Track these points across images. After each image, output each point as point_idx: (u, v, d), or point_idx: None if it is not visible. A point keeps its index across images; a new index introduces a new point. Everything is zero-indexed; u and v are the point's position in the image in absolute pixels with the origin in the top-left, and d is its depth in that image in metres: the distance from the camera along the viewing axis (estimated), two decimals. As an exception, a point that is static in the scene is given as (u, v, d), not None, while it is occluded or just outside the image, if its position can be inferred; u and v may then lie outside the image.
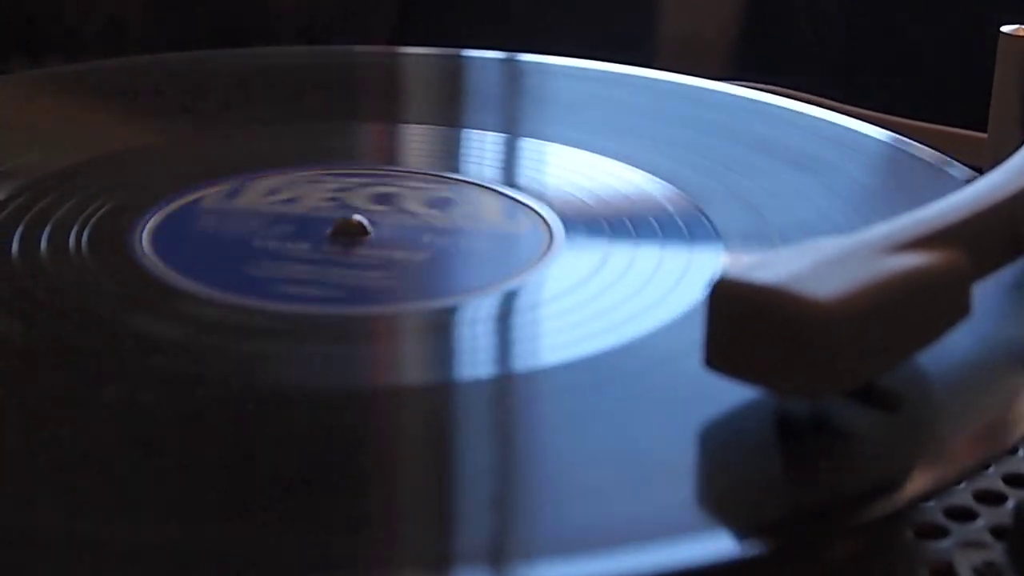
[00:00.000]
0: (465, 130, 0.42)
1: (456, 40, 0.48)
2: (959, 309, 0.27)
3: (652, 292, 0.31)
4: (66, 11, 0.58)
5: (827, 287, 0.25)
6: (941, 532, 0.28)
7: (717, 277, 0.25)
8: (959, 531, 0.28)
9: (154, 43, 0.58)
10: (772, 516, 0.24)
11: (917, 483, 0.25)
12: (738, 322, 0.25)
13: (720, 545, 0.23)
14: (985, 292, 0.29)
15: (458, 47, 0.48)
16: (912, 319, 0.26)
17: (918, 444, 0.26)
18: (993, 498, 0.29)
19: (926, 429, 0.27)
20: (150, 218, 0.34)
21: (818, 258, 0.26)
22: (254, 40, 0.59)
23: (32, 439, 0.26)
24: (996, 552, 0.28)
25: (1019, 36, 0.38)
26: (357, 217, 0.34)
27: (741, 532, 0.24)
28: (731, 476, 0.25)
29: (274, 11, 0.61)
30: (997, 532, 0.28)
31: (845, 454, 0.26)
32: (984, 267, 0.29)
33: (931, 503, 0.29)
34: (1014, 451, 0.31)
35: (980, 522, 0.29)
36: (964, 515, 0.29)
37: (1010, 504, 0.29)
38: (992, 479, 0.30)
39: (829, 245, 0.26)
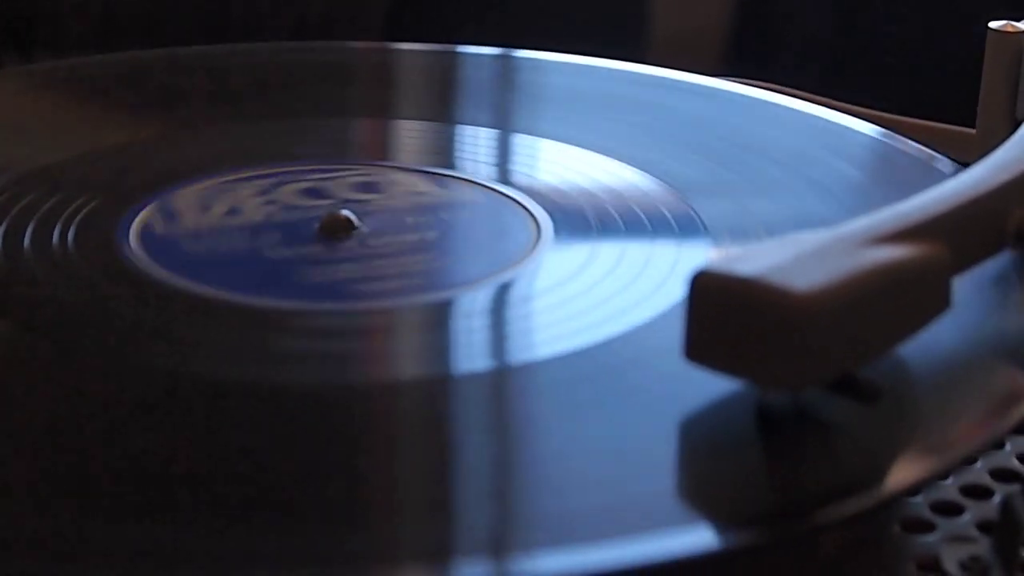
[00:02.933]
0: (456, 126, 0.42)
1: (446, 36, 0.48)
2: (940, 302, 0.27)
3: (639, 287, 0.31)
4: (57, 7, 0.58)
5: (807, 279, 0.25)
6: (927, 526, 0.28)
7: (697, 269, 0.25)
8: (945, 525, 0.28)
9: (144, 40, 0.58)
10: (755, 508, 0.24)
11: (899, 476, 0.25)
12: (718, 314, 0.25)
13: (706, 537, 0.23)
14: (967, 285, 0.29)
15: (448, 43, 0.48)
16: (892, 311, 0.26)
17: (901, 437, 0.26)
18: (980, 492, 0.29)
19: (909, 422, 0.27)
20: (138, 214, 0.34)
21: (798, 250, 0.26)
22: (243, 36, 0.59)
23: (20, 438, 0.26)
24: (982, 546, 0.28)
25: (1007, 32, 0.38)
26: (345, 212, 0.34)
27: (726, 524, 0.24)
28: (713, 468, 0.25)
29: (263, 7, 0.61)
30: (983, 526, 0.28)
31: (826, 446, 0.26)
32: (966, 260, 0.29)
33: (918, 498, 0.29)
34: (1000, 445, 0.31)
35: (966, 516, 0.29)
36: (950, 509, 0.29)
37: (997, 498, 0.29)
38: (979, 473, 0.30)
39: (810, 238, 0.26)
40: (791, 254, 0.26)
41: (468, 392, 0.28)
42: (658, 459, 0.26)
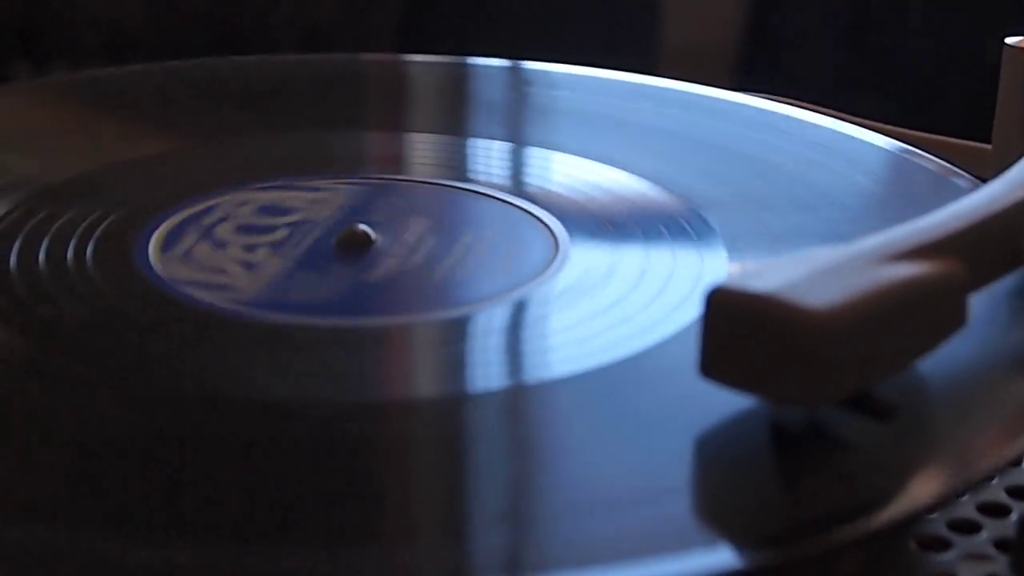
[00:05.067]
0: (469, 138, 0.42)
1: (457, 48, 0.48)
2: (956, 319, 0.27)
3: (656, 303, 0.31)
4: (68, 19, 0.58)
5: (822, 296, 0.25)
6: (944, 544, 0.28)
7: (712, 286, 0.25)
8: (962, 543, 0.28)
9: (156, 51, 0.58)
10: (770, 528, 0.24)
11: (916, 494, 0.25)
12: (733, 331, 0.25)
13: (723, 558, 0.23)
14: (983, 301, 0.29)
15: (459, 55, 0.47)
16: (908, 328, 0.26)
17: (917, 454, 0.26)
18: (997, 510, 0.29)
19: (925, 439, 0.27)
20: (156, 228, 0.34)
21: (814, 267, 0.26)
22: (255, 48, 0.59)
23: (35, 456, 0.26)
24: (999, 564, 0.27)
25: (1023, 48, 0.38)
26: (362, 227, 0.34)
27: (741, 545, 0.24)
28: (728, 487, 0.25)
29: (275, 19, 0.61)
30: (1001, 544, 0.28)
31: (842, 464, 0.26)
32: (982, 277, 0.29)
33: (935, 516, 0.29)
34: (1017, 462, 0.31)
35: (984, 534, 0.29)
36: (967, 527, 0.29)
37: (1014, 516, 0.29)
38: (995, 491, 0.30)
39: (825, 254, 0.26)
40: (806, 271, 0.25)
41: (483, 411, 0.28)
42: (672, 479, 0.25)
